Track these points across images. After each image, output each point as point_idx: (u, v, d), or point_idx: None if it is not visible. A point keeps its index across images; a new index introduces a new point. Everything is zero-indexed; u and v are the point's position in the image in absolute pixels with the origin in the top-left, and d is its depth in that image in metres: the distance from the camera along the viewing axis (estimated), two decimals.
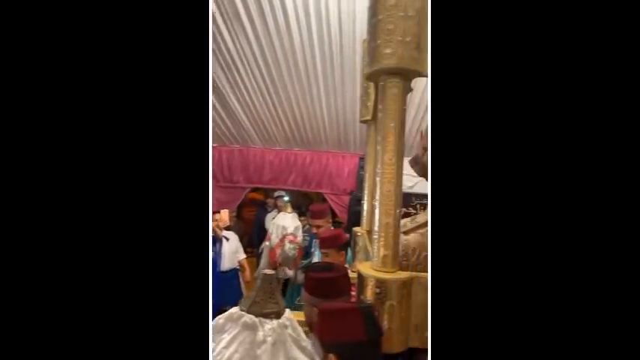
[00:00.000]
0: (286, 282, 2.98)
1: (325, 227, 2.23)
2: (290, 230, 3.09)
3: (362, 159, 3.60)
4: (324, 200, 3.81)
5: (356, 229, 1.73)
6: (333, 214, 3.54)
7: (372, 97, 1.41)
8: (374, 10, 0.90)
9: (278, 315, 0.93)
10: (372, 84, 1.41)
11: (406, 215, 1.46)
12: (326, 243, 1.95)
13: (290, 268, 2.78)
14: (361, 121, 1.57)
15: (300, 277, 2.57)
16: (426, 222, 1.25)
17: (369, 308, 0.85)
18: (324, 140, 3.82)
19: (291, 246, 2.84)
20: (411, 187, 3.09)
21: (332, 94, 3.08)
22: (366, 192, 1.67)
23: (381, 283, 0.89)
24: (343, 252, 1.96)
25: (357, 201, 3.40)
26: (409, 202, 2.83)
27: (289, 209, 3.45)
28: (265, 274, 0.98)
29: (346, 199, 3.65)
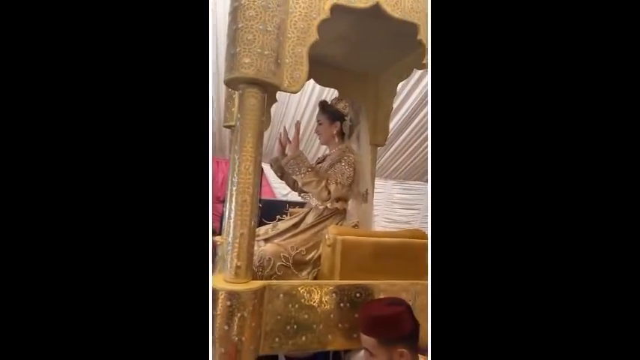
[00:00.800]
0: None
1: None
2: None
3: None
4: None
5: (216, 238, 1.67)
6: None
7: (237, 102, 1.40)
8: (234, 17, 0.89)
9: None
10: None
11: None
12: None
13: None
14: (225, 126, 1.53)
15: None
16: (287, 228, 1.30)
17: None
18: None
19: None
20: (286, 194, 3.17)
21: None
22: (227, 200, 1.63)
23: (232, 295, 0.87)
24: None
25: None
26: (284, 209, 2.88)
27: None
28: None
29: (220, 207, 3.49)
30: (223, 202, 3.42)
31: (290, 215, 1.53)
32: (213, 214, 3.55)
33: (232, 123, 1.45)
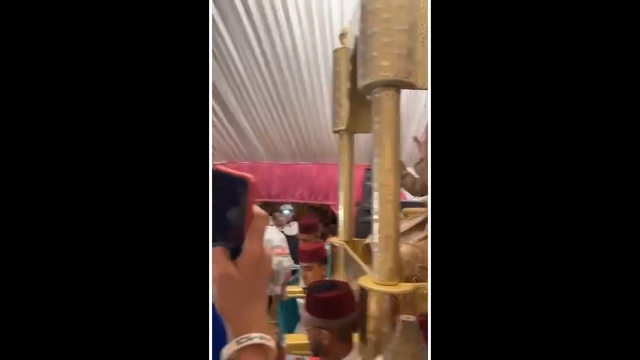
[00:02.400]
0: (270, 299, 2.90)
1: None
2: (275, 243, 3.04)
3: (368, 170, 3.60)
4: (328, 212, 3.80)
5: (333, 239, 1.71)
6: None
7: (346, 107, 1.42)
8: (368, 22, 0.91)
9: None
10: (344, 94, 1.43)
11: None
12: (306, 256, 1.88)
13: (281, 283, 2.57)
14: (334, 132, 1.58)
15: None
16: (409, 229, 1.23)
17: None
18: (330, 152, 3.84)
19: (285, 258, 2.79)
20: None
21: None
22: (341, 202, 1.64)
23: (390, 297, 0.87)
24: (324, 265, 1.88)
25: (364, 212, 3.37)
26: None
27: (271, 222, 3.46)
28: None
29: (354, 210, 3.63)
30: (357, 205, 3.54)
31: (405, 216, 1.46)
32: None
33: (342, 127, 1.49)
